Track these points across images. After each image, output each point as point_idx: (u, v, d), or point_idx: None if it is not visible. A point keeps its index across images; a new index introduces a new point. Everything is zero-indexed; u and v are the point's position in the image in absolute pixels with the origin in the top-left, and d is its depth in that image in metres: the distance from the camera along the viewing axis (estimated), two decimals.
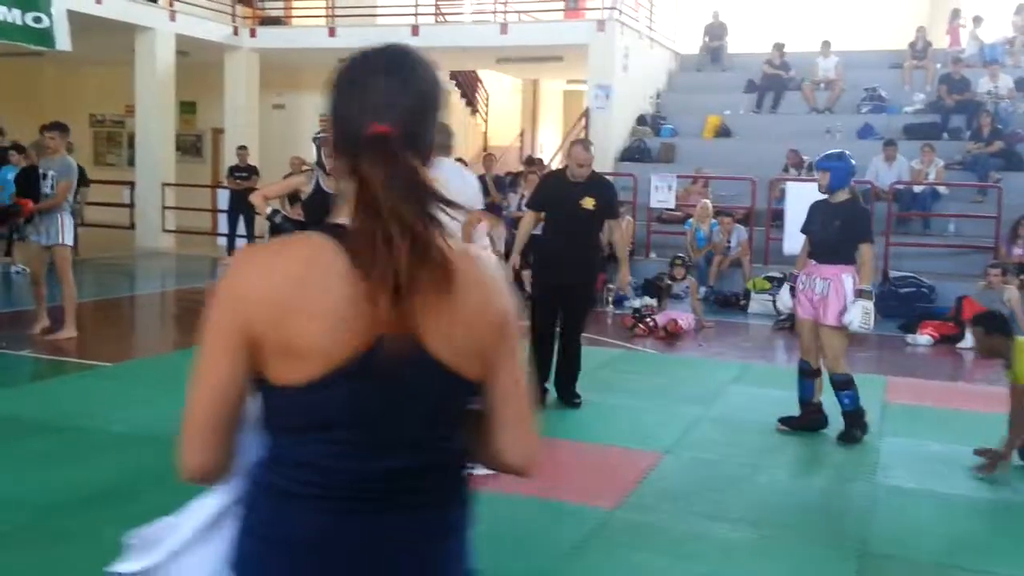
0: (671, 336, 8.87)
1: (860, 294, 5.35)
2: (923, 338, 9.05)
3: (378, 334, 1.24)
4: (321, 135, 5.87)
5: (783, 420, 5.70)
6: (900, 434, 5.77)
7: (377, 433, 1.30)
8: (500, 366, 1.37)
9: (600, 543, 3.98)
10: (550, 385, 6.13)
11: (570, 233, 5.90)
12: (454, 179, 4.67)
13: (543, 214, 6.26)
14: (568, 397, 6.12)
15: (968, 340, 8.88)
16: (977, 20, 15.75)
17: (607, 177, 7.05)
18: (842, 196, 5.47)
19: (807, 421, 5.65)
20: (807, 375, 5.66)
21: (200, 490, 1.54)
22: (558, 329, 6.04)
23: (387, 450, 1.31)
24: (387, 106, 1.37)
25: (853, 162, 5.56)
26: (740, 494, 4.69)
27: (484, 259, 1.37)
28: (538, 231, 6.51)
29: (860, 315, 5.34)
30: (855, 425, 5.49)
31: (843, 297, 5.38)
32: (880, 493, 4.70)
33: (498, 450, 1.45)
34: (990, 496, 4.70)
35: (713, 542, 4.04)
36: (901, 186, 12.04)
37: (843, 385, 5.46)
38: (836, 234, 5.44)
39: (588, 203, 5.83)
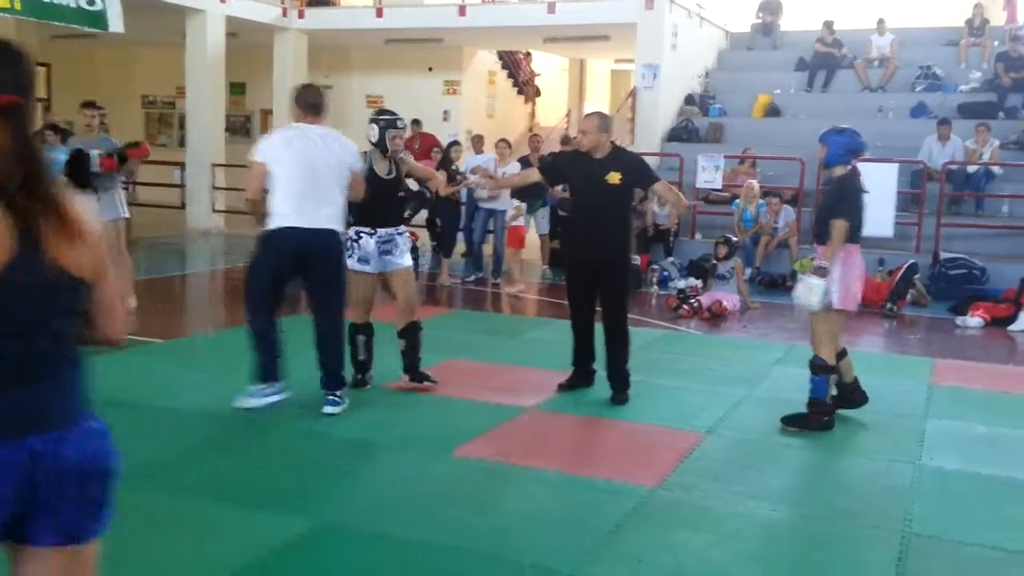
0: (716, 317, 8.84)
1: (816, 271, 5.17)
2: (973, 320, 8.90)
3: (14, 253, 1.74)
4: (386, 117, 5.81)
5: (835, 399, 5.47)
6: (945, 416, 5.71)
7: (14, 322, 1.78)
8: (100, 274, 1.90)
9: (642, 521, 4.02)
10: (598, 366, 6.02)
11: (598, 211, 5.71)
12: (332, 142, 5.29)
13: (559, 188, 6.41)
14: (616, 392, 5.83)
15: (1021, 322, 8.75)
16: None
17: (632, 152, 6.73)
18: (839, 172, 5.27)
19: (845, 402, 5.54)
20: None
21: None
22: (599, 311, 5.95)
23: (24, 334, 1.81)
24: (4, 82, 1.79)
25: (860, 139, 5.30)
26: (782, 474, 4.70)
27: (83, 206, 1.88)
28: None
29: (803, 291, 5.20)
30: (812, 416, 5.25)
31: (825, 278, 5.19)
32: (924, 474, 4.67)
33: (98, 328, 2.02)
34: None
35: (755, 521, 4.06)
36: (954, 166, 11.80)
37: (815, 370, 5.26)
38: (823, 213, 5.30)
39: (614, 178, 5.63)
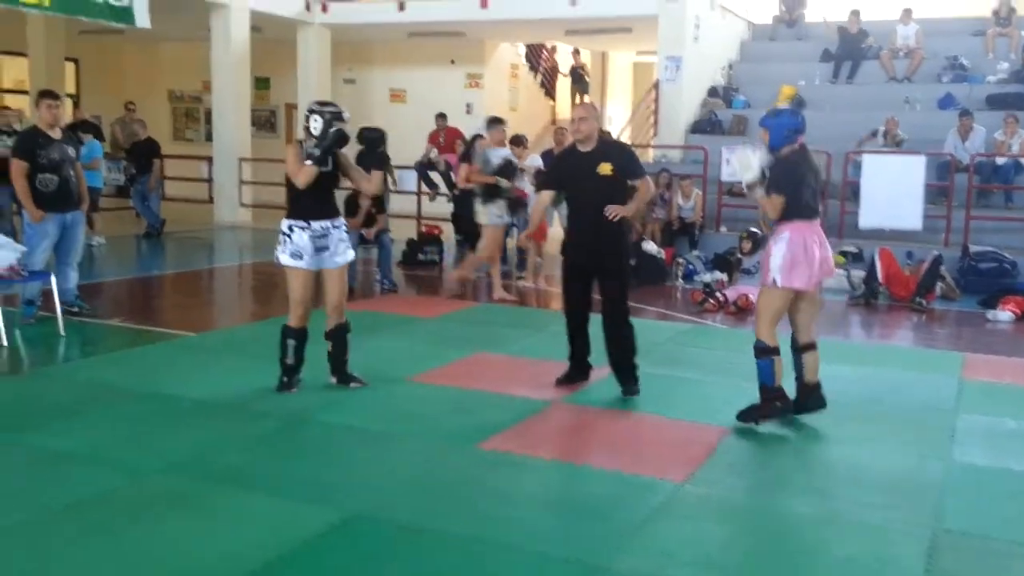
0: (741, 311, 8.80)
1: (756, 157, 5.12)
2: (1004, 314, 8.80)
3: None
4: (331, 109, 5.40)
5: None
6: (976, 411, 5.66)
7: None
8: None
9: (670, 515, 4.03)
10: (592, 361, 5.98)
11: (594, 204, 5.53)
12: None
13: (557, 194, 6.03)
14: (626, 386, 5.77)
15: None
16: None
17: (619, 141, 6.74)
18: (786, 151, 5.11)
19: (805, 402, 5.32)
20: (796, 351, 5.35)
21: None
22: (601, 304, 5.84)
23: None
24: None
25: (799, 118, 5.20)
26: (809, 468, 4.68)
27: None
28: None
29: (739, 165, 5.17)
30: (764, 405, 5.14)
31: (768, 258, 5.13)
32: (954, 469, 4.64)
33: None
34: None
35: (783, 516, 4.06)
36: (983, 158, 11.67)
37: (757, 353, 5.13)
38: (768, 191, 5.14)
39: (605, 169, 5.55)
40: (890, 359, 7.20)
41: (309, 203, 5.39)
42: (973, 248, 10.49)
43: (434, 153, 14.02)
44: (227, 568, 3.40)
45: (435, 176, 14.14)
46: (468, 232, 11.24)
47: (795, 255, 5.04)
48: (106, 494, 4.06)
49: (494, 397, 5.71)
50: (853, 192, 11.56)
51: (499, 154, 9.25)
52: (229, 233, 14.57)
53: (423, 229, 12.45)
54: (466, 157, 11.50)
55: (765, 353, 5.13)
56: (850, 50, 14.98)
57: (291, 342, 5.55)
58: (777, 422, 5.26)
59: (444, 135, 14.18)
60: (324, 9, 16.45)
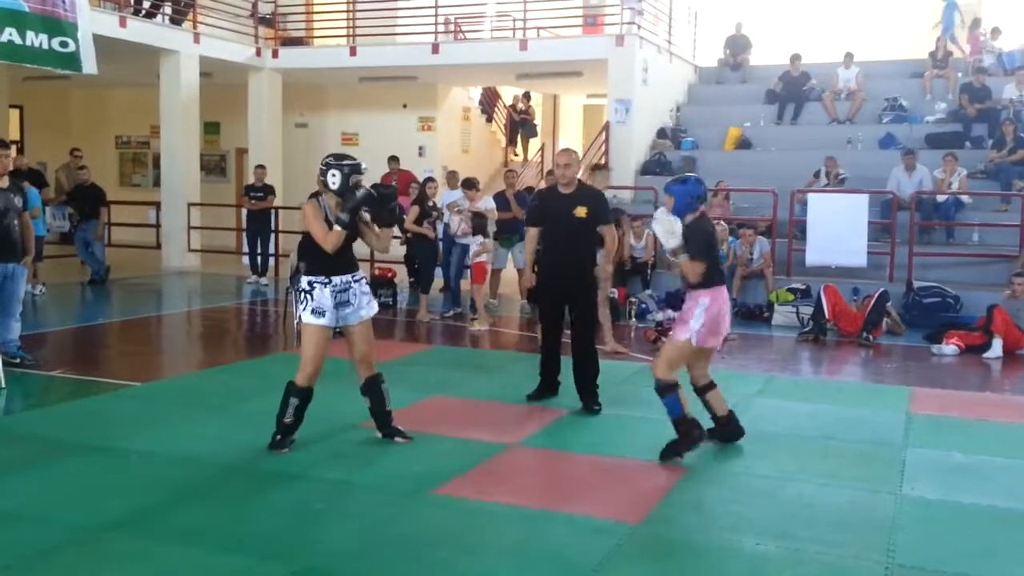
0: None
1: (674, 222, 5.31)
2: (949, 348, 8.99)
3: None
4: (349, 163, 5.24)
5: (709, 431, 5.53)
6: (925, 445, 5.75)
7: None
8: None
9: (625, 558, 4.00)
10: (561, 378, 6.62)
11: (567, 241, 6.29)
12: None
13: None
14: (587, 403, 6.38)
15: (995, 350, 8.85)
16: (995, 31, 15.66)
17: (595, 188, 7.27)
18: (689, 219, 5.35)
19: (723, 432, 5.63)
20: (699, 393, 5.63)
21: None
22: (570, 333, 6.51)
23: None
24: None
25: (702, 186, 5.46)
26: (765, 507, 4.70)
27: None
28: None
29: (663, 231, 5.30)
30: (682, 437, 5.31)
31: (688, 318, 5.34)
32: (905, 504, 4.69)
33: None
34: (1015, 506, 4.67)
35: (739, 555, 4.06)
36: (924, 195, 11.98)
37: (660, 392, 5.34)
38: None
39: (581, 212, 6.24)
40: (840, 395, 7.30)
41: (329, 258, 5.19)
42: (917, 283, 10.73)
43: None
44: None
45: None
46: (421, 275, 11.24)
47: (713, 320, 5.32)
48: (48, 553, 3.93)
49: (449, 441, 5.66)
50: (799, 230, 11.78)
51: None
52: (177, 279, 14.37)
53: (376, 272, 12.39)
54: (419, 200, 11.52)
55: (668, 390, 5.33)
56: (793, 92, 15.36)
57: (294, 401, 5.31)
58: (731, 459, 5.28)
59: (396, 178, 14.18)
60: (275, 55, 16.47)
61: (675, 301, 10.76)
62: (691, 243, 5.28)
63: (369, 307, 5.39)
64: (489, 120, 20.21)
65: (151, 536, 4.13)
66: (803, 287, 10.85)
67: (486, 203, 11.07)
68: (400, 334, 10.12)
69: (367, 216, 5.31)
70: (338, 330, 5.43)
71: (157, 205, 15.92)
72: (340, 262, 5.23)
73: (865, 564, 3.94)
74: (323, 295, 5.18)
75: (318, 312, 5.18)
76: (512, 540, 4.20)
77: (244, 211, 14.34)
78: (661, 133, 15.45)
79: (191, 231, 15.40)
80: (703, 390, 5.63)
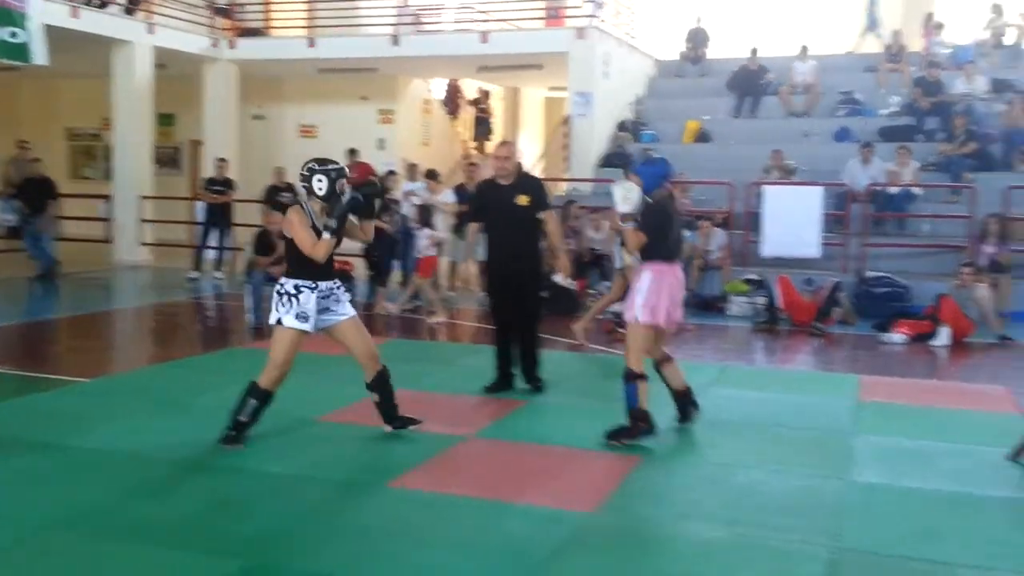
0: None
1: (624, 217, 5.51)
2: (897, 336, 9.16)
3: None
4: (336, 167, 5.18)
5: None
6: (873, 431, 5.86)
7: None
8: None
9: (579, 547, 4.03)
10: (516, 371, 6.70)
11: (512, 231, 6.44)
12: None
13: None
14: (532, 381, 6.68)
15: (942, 338, 9.03)
16: (938, 26, 15.95)
17: (534, 176, 7.40)
18: (657, 196, 5.49)
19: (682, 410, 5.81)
20: (654, 366, 5.73)
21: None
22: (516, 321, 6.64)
23: None
24: None
25: (669, 166, 5.66)
26: (717, 493, 4.76)
27: None
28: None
29: (620, 195, 5.46)
30: (631, 427, 5.41)
31: (633, 295, 5.49)
32: (852, 489, 4.78)
33: None
34: (958, 490, 4.78)
35: (691, 541, 4.11)
36: (877, 187, 12.18)
37: (626, 378, 5.44)
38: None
39: (522, 200, 6.39)
40: (792, 383, 7.41)
41: (315, 264, 5.10)
42: (869, 274, 10.90)
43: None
44: None
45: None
46: (378, 268, 11.19)
47: (656, 294, 5.41)
48: None
49: (405, 434, 5.64)
50: (755, 222, 11.90)
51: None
52: (129, 273, 14.17)
53: (334, 266, 12.32)
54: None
55: (632, 378, 5.44)
56: (751, 86, 15.50)
57: (253, 402, 5.20)
58: (685, 448, 5.34)
59: (355, 170, 14.09)
60: (232, 45, 16.28)
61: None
62: (646, 216, 5.44)
63: (347, 306, 5.31)
64: (454, 117, 20.17)
65: (99, 533, 4.08)
66: (758, 278, 10.98)
67: (446, 196, 11.05)
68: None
69: (353, 218, 5.27)
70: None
71: (108, 198, 15.68)
72: (326, 268, 5.18)
73: (811, 548, 4.01)
74: (310, 300, 5.10)
75: (302, 317, 5.09)
76: (467, 532, 4.21)
77: (200, 204, 14.18)
78: (621, 126, 15.52)
79: (143, 225, 15.19)
80: (659, 364, 5.75)
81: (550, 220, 6.57)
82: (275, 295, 5.15)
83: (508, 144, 6.77)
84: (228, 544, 3.96)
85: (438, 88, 19.76)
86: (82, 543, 3.97)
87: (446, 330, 9.94)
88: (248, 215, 13.95)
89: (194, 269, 13.31)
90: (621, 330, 9.16)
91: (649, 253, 5.45)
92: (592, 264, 11.88)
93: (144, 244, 15.28)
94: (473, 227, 6.92)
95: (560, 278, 10.83)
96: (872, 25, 17.22)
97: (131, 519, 4.25)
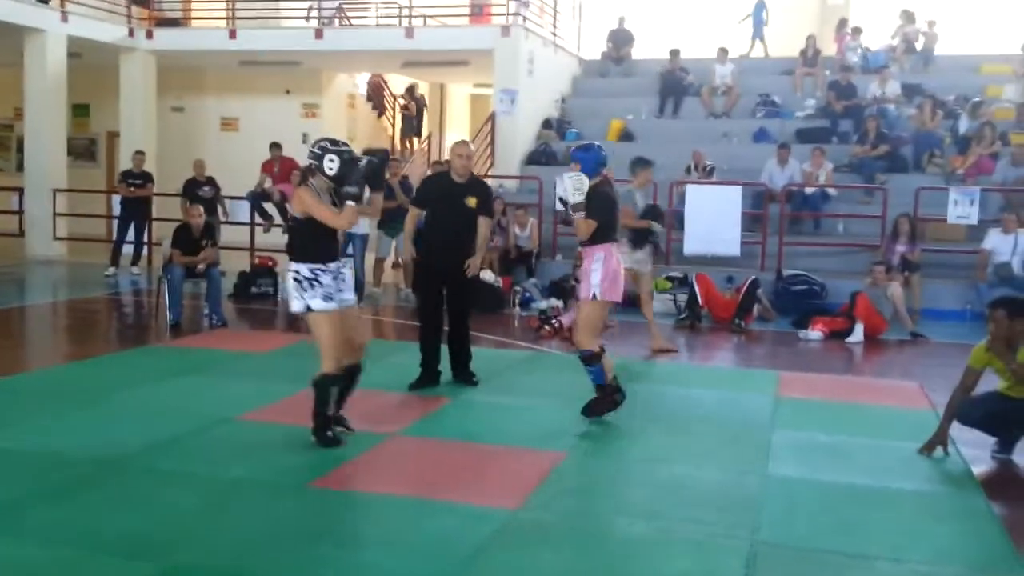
0: None
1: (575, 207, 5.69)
2: (814, 333, 9.41)
3: None
4: (346, 148, 5.19)
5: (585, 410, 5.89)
6: (790, 426, 6.01)
7: None
8: None
9: (503, 543, 4.05)
10: (441, 368, 6.78)
11: (455, 227, 6.59)
12: None
13: (424, 211, 6.88)
14: (465, 377, 6.78)
15: (857, 334, 9.32)
16: (856, 31, 16.45)
17: (484, 181, 7.75)
18: (593, 182, 5.73)
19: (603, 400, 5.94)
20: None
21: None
22: (445, 316, 6.78)
23: None
24: None
25: (603, 153, 5.91)
26: (639, 489, 4.83)
27: None
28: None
29: (570, 186, 5.63)
30: (602, 399, 5.83)
31: (588, 276, 5.78)
32: (770, 483, 4.90)
33: None
34: (873, 484, 4.94)
35: (614, 537, 4.16)
36: (793, 188, 12.50)
37: (586, 361, 5.80)
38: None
39: (471, 201, 6.60)
40: (712, 379, 7.57)
41: (326, 245, 5.20)
42: (786, 272, 11.18)
43: (268, 183, 13.68)
44: None
45: (269, 207, 13.80)
46: None
47: (611, 272, 5.78)
48: None
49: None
50: (678, 220, 12.10)
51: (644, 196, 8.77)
52: (42, 268, 13.68)
53: (256, 261, 12.11)
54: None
55: (592, 359, 5.78)
56: (673, 87, 15.74)
57: (334, 390, 5.23)
58: (609, 443, 5.41)
59: (279, 165, 13.87)
60: (149, 35, 15.84)
61: (559, 290, 10.93)
62: (591, 203, 5.68)
63: (350, 291, 5.34)
64: (380, 115, 20.01)
65: (8, 533, 3.93)
66: (680, 275, 11.17)
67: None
68: (281, 324, 9.93)
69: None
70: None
71: (21, 191, 15.10)
72: (332, 247, 5.26)
73: (731, 542, 4.10)
74: (328, 280, 5.16)
75: (328, 297, 5.13)
76: (391, 530, 4.19)
77: (116, 198, 13.77)
78: (546, 124, 15.61)
79: (57, 218, 14.68)
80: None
81: (484, 225, 6.79)
82: (292, 282, 5.15)
83: (469, 144, 7.02)
84: (145, 546, 3.86)
85: (363, 83, 19.58)
86: None
87: (371, 327, 9.85)
88: (166, 209, 13.61)
89: (111, 264, 12.93)
90: (547, 327, 9.25)
91: (597, 236, 5.76)
92: (518, 261, 11.92)
93: (58, 238, 14.76)
94: (413, 213, 6.93)
95: (486, 274, 10.90)
96: (757, 32, 17.72)
97: (43, 519, 4.12)
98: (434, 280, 6.76)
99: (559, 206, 12.19)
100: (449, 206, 6.60)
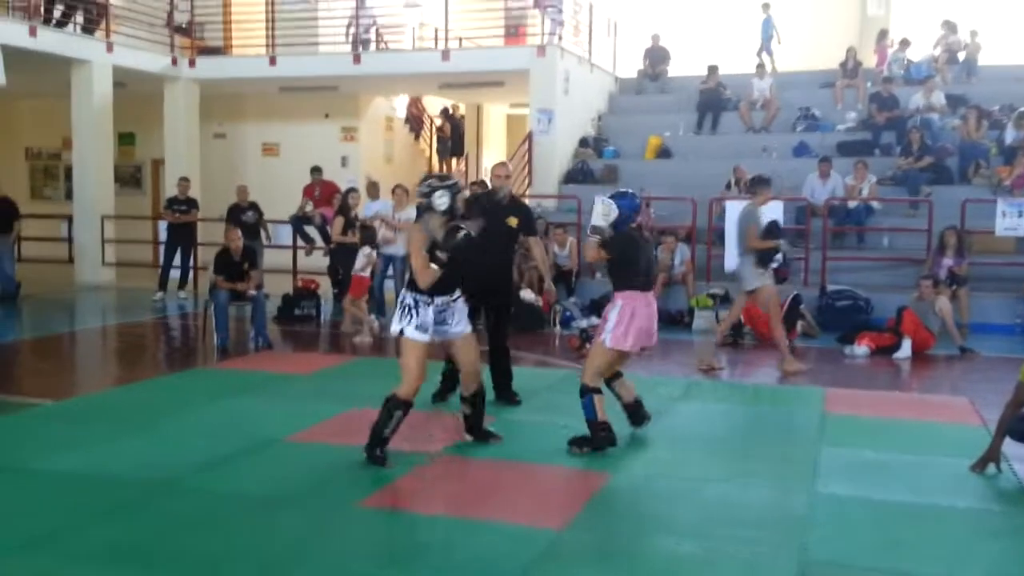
0: None
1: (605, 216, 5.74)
2: (860, 349, 9.29)
3: None
4: (452, 183, 5.51)
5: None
6: (837, 443, 5.94)
7: None
8: None
9: (549, 564, 4.04)
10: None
11: (495, 245, 6.54)
12: None
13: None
14: (508, 397, 6.84)
15: (904, 350, 9.19)
16: (904, 43, 16.29)
17: (525, 202, 8.01)
18: (623, 233, 5.76)
19: (629, 419, 6.05)
20: (607, 383, 5.99)
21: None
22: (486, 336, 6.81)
23: None
24: None
25: (637, 200, 5.89)
26: (686, 508, 4.80)
27: None
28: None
29: (600, 211, 5.70)
30: (592, 436, 5.68)
31: (605, 319, 5.74)
32: (819, 501, 4.84)
33: None
34: (922, 501, 4.87)
35: (660, 557, 4.14)
36: (836, 202, 12.38)
37: (583, 392, 5.73)
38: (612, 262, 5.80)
39: (512, 221, 6.70)
40: (757, 396, 7.50)
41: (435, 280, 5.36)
42: (830, 287, 11.06)
43: (309, 207, 13.87)
44: None
45: (311, 230, 13.98)
46: (344, 285, 11.15)
47: (624, 322, 5.63)
48: None
49: None
50: (719, 237, 12.04)
51: (767, 215, 8.73)
52: (91, 294, 13.97)
53: (299, 283, 12.26)
54: (342, 210, 11.44)
55: (588, 392, 5.71)
56: (711, 103, 15.71)
57: (399, 414, 5.37)
58: (654, 463, 5.38)
59: (320, 188, 14.06)
60: (192, 64, 16.17)
61: (599, 308, 10.91)
62: (614, 242, 5.69)
63: (465, 324, 5.56)
64: (417, 137, 20.22)
65: (65, 556, 4.02)
66: (722, 292, 11.10)
67: (409, 212, 11.04)
68: (324, 346, 10.03)
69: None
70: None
71: (69, 219, 15.46)
72: (444, 284, 5.39)
73: (779, 560, 4.06)
74: (427, 313, 5.35)
75: (422, 328, 5.33)
76: (438, 550, 4.21)
77: (163, 224, 14.02)
78: (583, 142, 15.65)
79: (105, 245, 15.00)
80: (610, 380, 5.94)
81: (536, 246, 6.96)
82: (398, 305, 5.43)
83: (507, 164, 7.20)
84: (196, 566, 3.92)
85: (401, 106, 19.79)
86: (48, 566, 3.91)
87: (369, 349, 9.88)
88: (211, 234, 13.84)
89: (159, 289, 13.17)
90: (588, 345, 9.22)
91: (621, 282, 5.73)
92: (558, 280, 11.92)
93: (106, 264, 15.08)
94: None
95: (526, 294, 10.93)
96: (766, 47, 17.57)
97: (97, 541, 4.20)
98: (475, 299, 6.63)
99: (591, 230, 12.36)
100: (491, 225, 6.53)
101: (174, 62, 16.00)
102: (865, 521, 4.58)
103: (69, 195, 16.25)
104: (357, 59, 15.54)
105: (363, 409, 6.72)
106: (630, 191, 6.14)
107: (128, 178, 18.59)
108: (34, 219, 16.23)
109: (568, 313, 10.97)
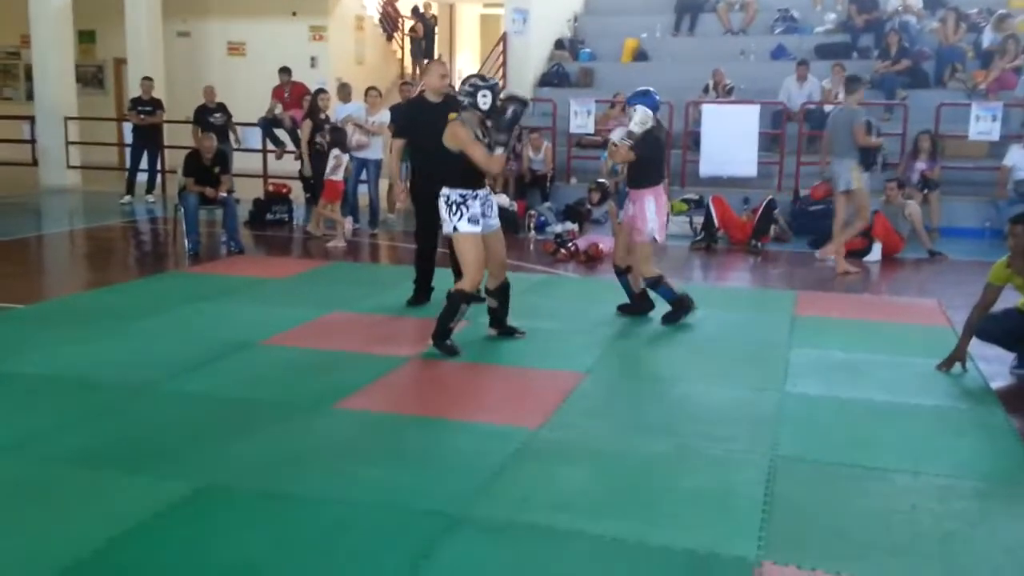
0: (592, 260, 9.01)
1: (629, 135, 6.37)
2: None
3: None
4: (493, 83, 5.72)
5: (620, 307, 6.67)
6: (808, 345, 6.03)
7: None
8: None
9: (525, 461, 4.11)
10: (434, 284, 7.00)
11: (439, 151, 6.08)
12: None
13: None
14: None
15: (874, 253, 9.28)
16: None
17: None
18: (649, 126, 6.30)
19: (639, 306, 6.64)
20: (621, 274, 6.65)
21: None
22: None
23: None
24: None
25: (657, 98, 6.37)
26: (659, 407, 4.88)
27: None
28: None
29: (619, 134, 6.37)
30: (678, 308, 6.43)
31: (644, 217, 6.27)
32: (789, 400, 4.94)
33: None
34: (890, 400, 4.98)
35: (634, 454, 4.21)
36: (812, 106, 12.29)
37: (652, 286, 6.41)
38: (641, 160, 6.32)
39: (453, 117, 6.27)
40: (729, 299, 7.57)
41: (473, 174, 5.57)
42: (803, 192, 11.07)
43: (279, 109, 13.58)
44: (68, 550, 3.24)
45: (280, 133, 13.71)
46: (315, 189, 10.99)
47: (662, 215, 6.34)
48: None
49: (349, 356, 5.65)
50: (694, 142, 11.96)
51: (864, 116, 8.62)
52: (57, 197, 13.70)
53: (270, 188, 12.08)
54: (311, 113, 11.19)
55: (658, 282, 6.37)
56: (689, 3, 15.38)
57: (465, 307, 5.63)
58: (628, 364, 5.44)
59: (289, 90, 13.73)
60: None
61: (573, 214, 10.89)
62: (644, 142, 6.24)
63: (495, 217, 5.76)
64: (389, 38, 19.67)
65: (46, 458, 4.03)
66: (696, 197, 11.09)
67: (383, 116, 10.84)
68: (298, 250, 9.95)
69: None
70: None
71: (32, 120, 15.03)
72: (480, 178, 5.63)
73: (750, 457, 4.15)
74: (475, 206, 5.56)
75: (474, 220, 5.54)
76: (413, 448, 4.26)
77: (128, 126, 13.69)
78: (559, 44, 15.33)
79: (69, 147, 14.64)
80: (624, 271, 6.59)
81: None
82: (443, 205, 5.57)
83: (445, 63, 6.97)
84: (177, 466, 3.95)
85: (371, 4, 19.20)
86: (29, 468, 3.92)
87: (388, 252, 9.87)
88: (178, 137, 13.54)
89: (126, 193, 12.94)
90: (563, 250, 9.24)
91: (648, 179, 6.30)
92: (532, 184, 11.85)
93: (71, 167, 14.75)
94: (398, 144, 7.03)
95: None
96: None
97: (77, 443, 4.21)
98: (429, 205, 6.39)
99: (574, 129, 12.21)
100: (432, 129, 6.19)
101: None
102: (834, 419, 4.69)
103: (30, 96, 15.76)
104: None
105: (337, 313, 6.74)
106: (651, 89, 6.47)
107: (90, 78, 18.03)
108: None
109: (543, 218, 10.93)
